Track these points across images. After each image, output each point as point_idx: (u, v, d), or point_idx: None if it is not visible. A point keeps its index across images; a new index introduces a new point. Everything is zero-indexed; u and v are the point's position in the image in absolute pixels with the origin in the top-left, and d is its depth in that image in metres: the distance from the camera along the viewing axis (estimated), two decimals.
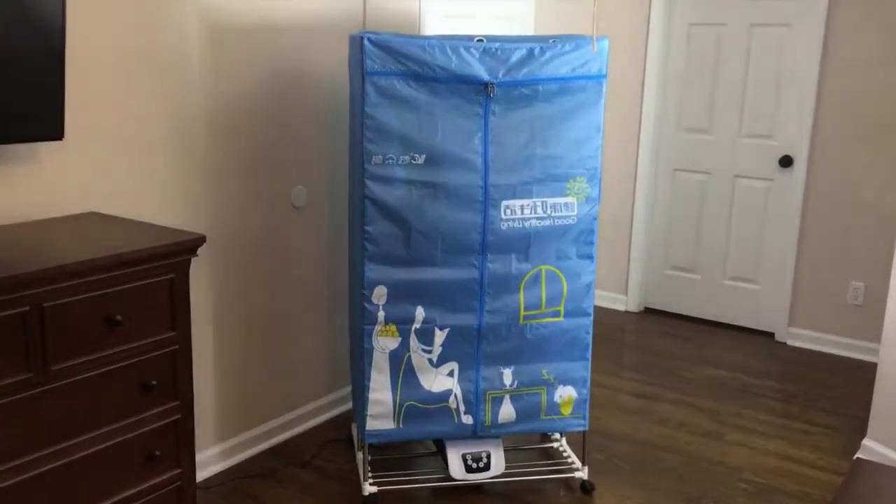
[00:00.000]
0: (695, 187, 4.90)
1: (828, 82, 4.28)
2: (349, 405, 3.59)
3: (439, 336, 2.88)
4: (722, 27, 4.68)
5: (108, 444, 2.13)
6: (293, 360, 3.41)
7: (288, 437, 3.41)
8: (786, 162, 4.57)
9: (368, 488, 2.95)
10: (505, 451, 3.08)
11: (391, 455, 3.21)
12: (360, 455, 3.07)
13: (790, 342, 4.61)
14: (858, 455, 3.34)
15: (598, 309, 4.84)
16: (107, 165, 2.59)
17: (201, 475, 3.05)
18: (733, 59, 4.66)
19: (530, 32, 4.76)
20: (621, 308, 5.19)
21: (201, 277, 2.97)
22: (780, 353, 4.53)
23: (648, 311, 5.18)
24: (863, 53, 4.21)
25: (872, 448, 3.27)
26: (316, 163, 3.35)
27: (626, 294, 5.19)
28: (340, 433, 3.46)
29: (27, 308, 1.90)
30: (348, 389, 3.58)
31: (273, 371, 3.33)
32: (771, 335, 4.75)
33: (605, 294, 5.18)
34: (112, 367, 2.11)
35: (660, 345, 4.65)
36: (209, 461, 3.10)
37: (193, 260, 2.27)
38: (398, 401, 2.90)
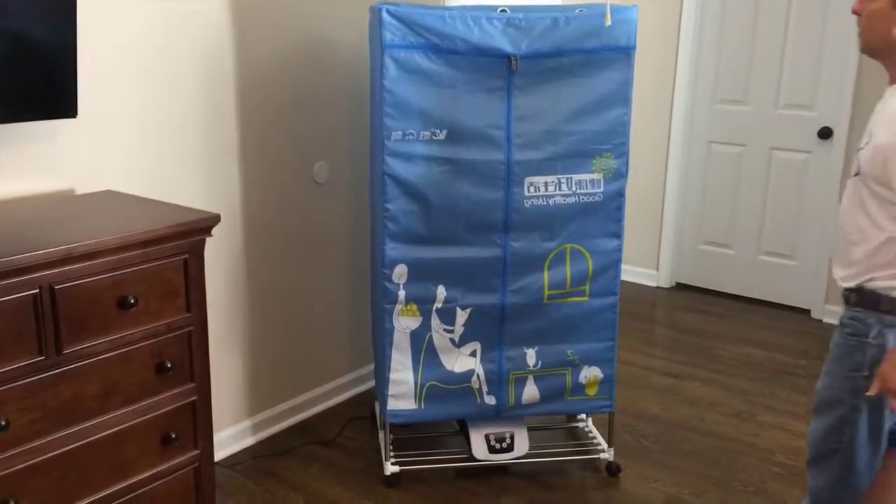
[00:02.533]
0: (730, 160, 4.76)
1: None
2: (373, 382, 3.56)
3: (461, 316, 2.82)
4: (757, 4, 4.50)
5: (123, 426, 2.11)
6: (317, 336, 3.38)
7: (311, 415, 3.40)
8: (825, 134, 4.40)
9: (390, 468, 2.92)
10: (529, 431, 3.03)
11: (414, 434, 3.18)
12: (382, 434, 3.04)
13: (826, 319, 4.47)
14: None
15: (627, 284, 4.75)
16: (125, 143, 2.55)
17: (226, 452, 3.05)
18: (772, 26, 4.49)
19: (557, 2, 4.62)
20: (652, 283, 5.09)
21: (225, 254, 2.94)
22: (816, 330, 4.40)
23: (680, 287, 5.07)
24: None
25: None
26: (338, 138, 3.30)
27: (658, 269, 5.08)
28: (364, 411, 3.43)
29: (37, 290, 1.88)
30: (372, 367, 3.55)
31: (297, 348, 3.31)
32: (807, 312, 4.61)
33: (635, 269, 5.07)
34: (126, 349, 2.08)
35: (691, 322, 4.55)
36: (233, 438, 3.09)
37: (217, 237, 2.23)
38: (419, 381, 2.86)
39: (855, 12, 2.02)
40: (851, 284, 2.05)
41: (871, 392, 1.94)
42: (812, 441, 2.14)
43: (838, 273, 2.10)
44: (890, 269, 1.96)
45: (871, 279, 2.01)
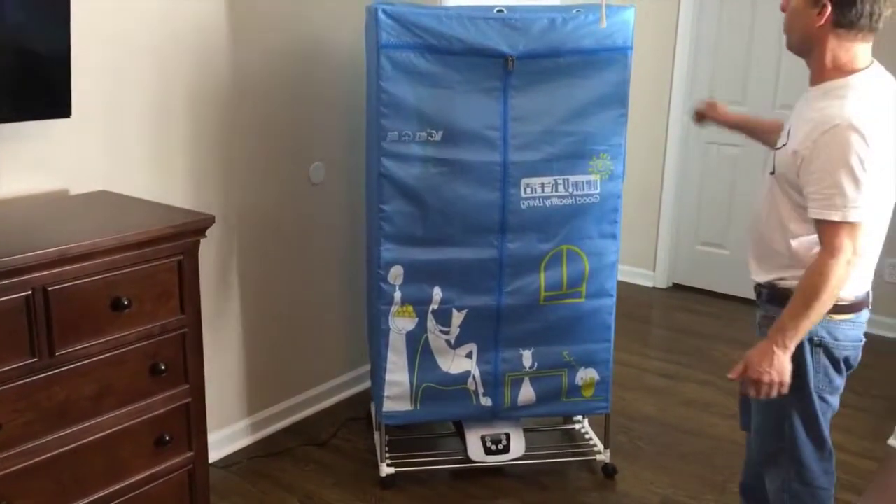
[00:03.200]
0: (727, 161, 4.75)
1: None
2: (368, 383, 3.55)
3: (457, 317, 2.82)
4: None
5: (116, 428, 2.10)
6: (313, 337, 3.37)
7: (307, 415, 3.39)
8: None
9: (386, 469, 2.91)
10: (525, 432, 3.02)
11: (409, 436, 3.17)
12: (377, 435, 3.03)
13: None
14: (892, 440, 3.24)
15: (623, 285, 4.74)
16: (119, 143, 2.54)
17: (220, 453, 3.04)
18: (769, 26, 4.48)
19: (554, 2, 4.61)
20: (648, 284, 5.08)
21: (220, 255, 2.93)
22: None
23: (676, 287, 5.07)
24: None
25: None
26: (334, 138, 3.28)
27: (654, 270, 5.07)
28: (359, 412, 3.42)
29: (30, 292, 1.87)
30: (367, 367, 3.54)
31: (292, 349, 3.30)
32: None
33: (631, 269, 5.07)
34: (120, 350, 2.07)
35: (687, 322, 4.54)
36: (228, 439, 3.08)
37: (212, 238, 2.23)
38: (415, 382, 2.85)
39: (782, 10, 2.03)
40: (762, 280, 2.08)
41: (732, 375, 1.99)
42: (757, 445, 2.16)
43: (752, 266, 2.13)
44: (799, 270, 1.96)
45: (782, 278, 2.03)
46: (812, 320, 1.90)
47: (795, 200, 1.95)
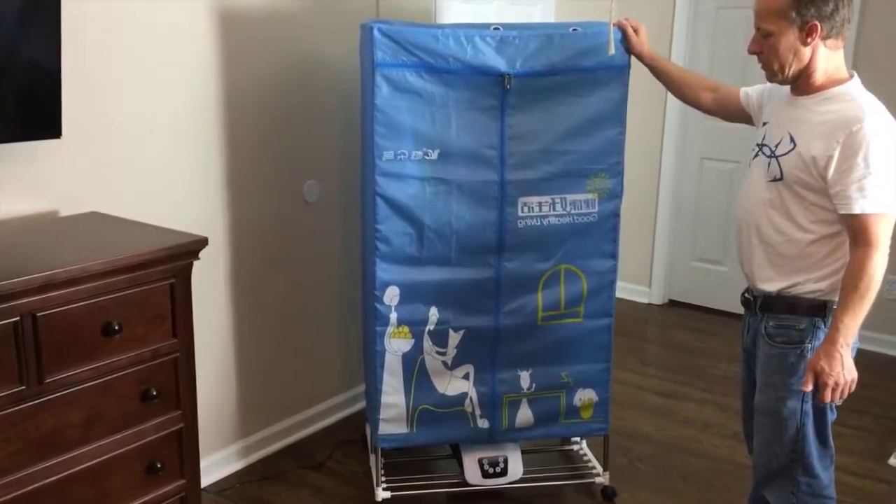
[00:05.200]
0: (723, 176, 4.74)
1: (860, 67, 4.10)
2: (364, 403, 3.51)
3: (454, 338, 2.78)
4: (751, 10, 4.48)
5: (106, 456, 2.05)
6: (307, 357, 3.33)
7: (302, 437, 3.33)
8: None
9: (381, 493, 2.86)
10: (524, 453, 2.98)
11: (406, 458, 3.12)
12: (373, 458, 2.98)
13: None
14: (892, 459, 3.21)
15: (620, 301, 4.69)
16: (110, 164, 2.50)
17: (215, 476, 2.99)
18: None
19: (551, 19, 4.60)
20: (644, 300, 5.05)
21: (213, 276, 2.88)
22: None
23: (673, 304, 5.04)
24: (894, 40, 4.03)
25: None
26: (329, 157, 3.25)
27: (650, 286, 5.05)
28: (354, 433, 3.37)
29: (18, 318, 1.82)
30: (363, 387, 3.50)
31: (286, 370, 3.25)
32: None
33: (627, 286, 5.03)
34: (110, 376, 2.02)
35: (685, 339, 4.51)
36: (221, 463, 3.03)
37: (205, 258, 2.19)
38: (411, 404, 2.80)
39: (754, 52, 2.09)
40: (772, 289, 2.11)
41: (806, 388, 2.01)
42: (763, 459, 2.18)
43: (756, 276, 2.16)
44: (814, 272, 2.05)
45: (795, 284, 2.08)
46: (864, 314, 1.98)
47: (811, 201, 2.01)
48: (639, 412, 3.65)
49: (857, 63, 4.10)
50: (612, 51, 2.54)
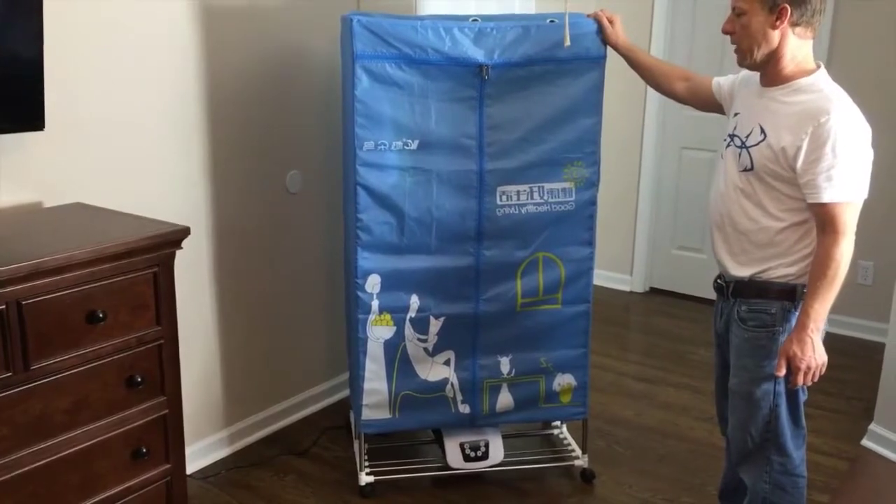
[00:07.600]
0: (702, 166, 4.80)
1: (838, 54, 4.16)
2: (348, 391, 3.56)
3: (434, 325, 2.83)
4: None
5: (92, 441, 2.09)
6: (292, 346, 3.37)
7: (286, 425, 3.38)
8: None
9: (365, 478, 2.92)
10: (504, 438, 3.03)
11: (389, 444, 3.18)
12: (356, 444, 3.03)
13: None
14: (865, 440, 3.29)
15: (601, 289, 4.78)
16: (94, 155, 2.53)
17: (199, 464, 3.03)
18: None
19: (532, 11, 4.64)
20: (625, 288, 5.12)
21: (199, 265, 2.92)
22: None
23: (653, 292, 5.12)
24: (871, 31, 4.09)
25: (879, 433, 3.22)
26: (311, 147, 3.29)
27: (631, 274, 5.11)
28: (339, 420, 3.42)
29: (4, 306, 1.86)
30: (347, 375, 3.54)
31: (271, 358, 3.29)
32: None
33: (608, 274, 5.11)
34: (95, 363, 2.06)
35: (665, 326, 4.58)
36: (206, 450, 3.07)
37: (188, 248, 2.22)
38: (394, 390, 2.86)
39: (727, 32, 2.14)
40: (744, 274, 2.16)
41: (779, 372, 2.09)
42: (738, 439, 2.24)
43: (727, 262, 2.23)
44: (784, 258, 2.12)
45: (767, 269, 2.15)
46: (832, 299, 2.04)
47: (781, 191, 2.07)
48: (619, 397, 3.72)
49: (832, 57, 4.16)
50: (568, 43, 2.58)
